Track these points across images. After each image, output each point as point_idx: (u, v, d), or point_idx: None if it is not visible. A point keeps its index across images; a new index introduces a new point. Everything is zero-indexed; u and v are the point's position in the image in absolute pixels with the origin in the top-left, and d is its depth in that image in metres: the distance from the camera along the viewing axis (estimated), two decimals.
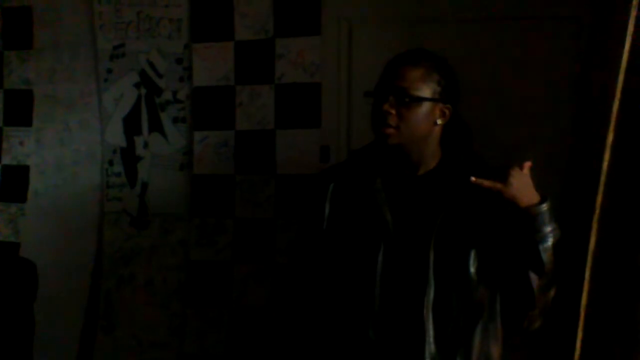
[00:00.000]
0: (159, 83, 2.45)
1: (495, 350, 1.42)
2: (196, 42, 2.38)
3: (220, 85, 2.36)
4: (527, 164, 1.30)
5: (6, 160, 2.68)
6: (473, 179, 1.27)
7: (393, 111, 1.34)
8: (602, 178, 1.15)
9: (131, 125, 2.49)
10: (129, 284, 2.50)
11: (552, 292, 1.34)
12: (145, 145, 2.48)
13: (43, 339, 2.51)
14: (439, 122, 1.39)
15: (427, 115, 1.36)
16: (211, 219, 2.39)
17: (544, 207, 1.28)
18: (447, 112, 1.40)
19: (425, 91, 1.35)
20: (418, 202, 1.40)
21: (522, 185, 1.28)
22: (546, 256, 1.28)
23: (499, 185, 1.27)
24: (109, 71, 2.50)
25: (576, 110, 1.99)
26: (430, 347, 1.35)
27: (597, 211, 1.16)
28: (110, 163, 2.52)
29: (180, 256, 2.45)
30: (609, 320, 1.20)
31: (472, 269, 1.36)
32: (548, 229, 1.28)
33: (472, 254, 1.36)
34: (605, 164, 1.15)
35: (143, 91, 2.47)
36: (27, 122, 2.62)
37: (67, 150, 2.59)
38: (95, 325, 2.52)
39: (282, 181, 2.30)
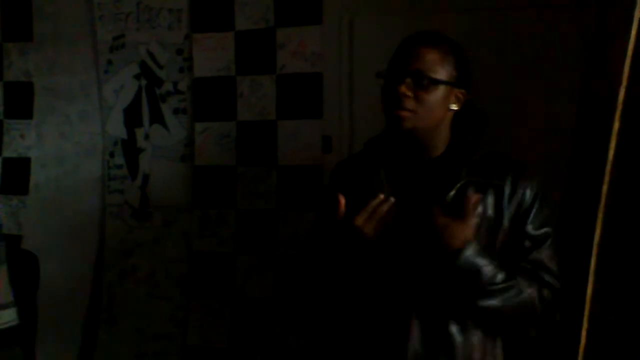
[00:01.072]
0: (160, 74, 2.43)
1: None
2: (196, 32, 2.36)
3: (221, 75, 2.35)
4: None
5: (7, 152, 2.67)
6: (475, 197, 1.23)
7: (410, 93, 1.29)
8: (608, 167, 1.14)
9: (132, 116, 2.48)
10: (131, 276, 2.49)
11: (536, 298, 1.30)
12: (146, 136, 2.47)
13: (46, 332, 2.51)
14: (454, 107, 1.35)
15: (443, 99, 1.31)
16: (213, 210, 2.38)
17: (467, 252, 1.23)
18: (461, 97, 1.35)
19: (443, 74, 1.30)
20: (424, 188, 1.35)
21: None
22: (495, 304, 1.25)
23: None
24: (109, 63, 2.49)
25: (580, 98, 1.98)
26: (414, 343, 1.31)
27: (603, 201, 1.14)
28: (111, 155, 2.51)
29: (183, 248, 2.44)
30: (614, 311, 1.19)
31: None
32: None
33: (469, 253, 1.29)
34: (611, 153, 1.13)
35: (143, 82, 2.45)
36: (27, 114, 2.61)
37: (68, 142, 2.58)
38: (98, 318, 2.53)
39: (284, 172, 2.29)
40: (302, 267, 1.59)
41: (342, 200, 1.27)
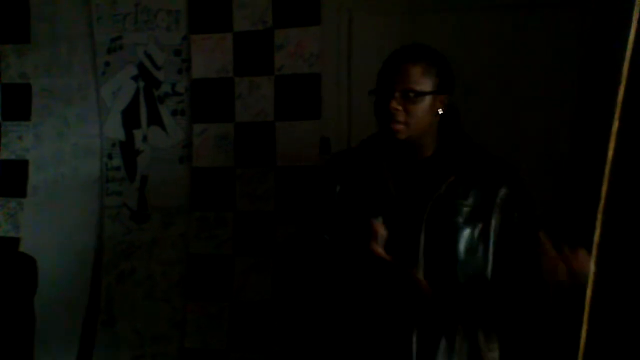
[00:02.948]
0: (157, 75, 2.42)
1: (481, 335, 1.46)
2: (194, 33, 2.35)
3: (219, 77, 2.34)
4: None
5: (5, 154, 2.66)
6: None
7: (400, 108, 1.40)
8: (607, 167, 1.12)
9: (130, 118, 2.47)
10: (130, 278, 2.48)
11: None
12: (144, 138, 2.46)
13: (44, 334, 2.50)
14: (440, 111, 1.46)
15: (430, 107, 1.43)
16: (211, 212, 2.38)
17: None
18: (445, 101, 1.46)
19: (427, 85, 1.41)
20: (415, 186, 1.46)
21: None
22: None
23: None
24: (107, 64, 2.48)
25: (578, 97, 1.97)
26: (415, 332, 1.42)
27: (603, 201, 1.13)
28: (110, 157, 2.51)
29: (181, 250, 2.43)
30: (615, 311, 1.19)
31: (462, 252, 1.40)
32: None
33: (464, 235, 1.40)
34: (610, 153, 1.12)
35: (141, 84, 2.45)
36: (25, 116, 2.61)
37: (66, 144, 2.57)
38: (96, 320, 2.52)
39: (282, 173, 2.28)
40: (303, 266, 1.70)
41: (381, 230, 1.34)
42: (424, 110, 1.42)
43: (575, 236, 1.22)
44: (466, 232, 1.41)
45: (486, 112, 2.05)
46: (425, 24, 2.10)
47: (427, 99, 1.41)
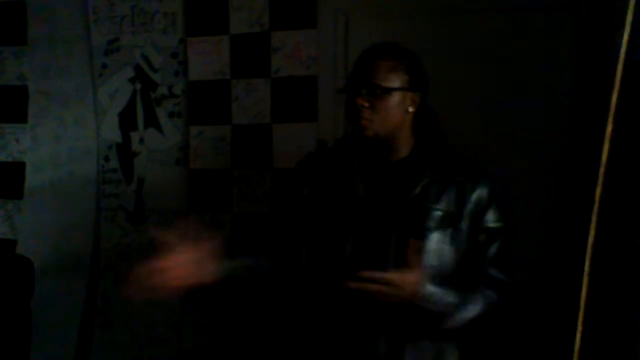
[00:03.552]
0: (154, 78, 2.43)
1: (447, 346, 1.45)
2: (191, 36, 2.36)
3: (215, 79, 2.35)
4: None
5: (2, 157, 2.66)
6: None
7: (366, 104, 1.39)
8: (602, 170, 1.14)
9: (127, 120, 2.48)
10: (127, 280, 2.48)
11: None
12: (141, 140, 2.47)
13: (41, 336, 2.50)
14: (410, 109, 1.44)
15: (398, 104, 1.41)
16: (208, 214, 2.38)
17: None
18: (417, 99, 1.44)
19: (395, 82, 1.40)
20: (386, 188, 1.44)
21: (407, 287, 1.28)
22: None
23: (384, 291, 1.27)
24: (104, 66, 2.48)
25: (572, 101, 1.98)
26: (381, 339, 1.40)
27: (597, 204, 1.15)
28: (106, 159, 2.51)
29: None
30: (609, 313, 1.20)
31: (431, 256, 1.38)
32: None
33: (433, 240, 1.39)
34: (604, 156, 1.14)
35: (138, 86, 2.45)
36: (22, 118, 2.61)
37: (63, 146, 2.57)
38: (93, 322, 2.52)
39: (279, 175, 2.29)
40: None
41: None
42: (392, 107, 1.40)
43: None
44: (436, 237, 1.39)
45: (482, 114, 2.07)
46: (422, 27, 2.11)
47: (396, 96, 1.40)
